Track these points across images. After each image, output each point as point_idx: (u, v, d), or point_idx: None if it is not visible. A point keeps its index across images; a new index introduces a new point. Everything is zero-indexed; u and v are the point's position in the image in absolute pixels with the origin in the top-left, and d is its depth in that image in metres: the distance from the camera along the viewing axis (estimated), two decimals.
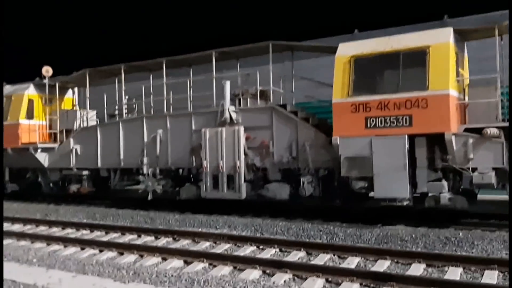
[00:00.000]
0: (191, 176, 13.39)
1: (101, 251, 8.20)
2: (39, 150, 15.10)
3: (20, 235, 9.58)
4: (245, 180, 11.45)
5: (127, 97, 15.75)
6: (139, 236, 9.59)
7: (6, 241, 9.41)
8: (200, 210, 12.38)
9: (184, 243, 8.78)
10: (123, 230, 10.00)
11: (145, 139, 13.45)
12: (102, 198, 15.52)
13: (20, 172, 16.81)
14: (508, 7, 9.32)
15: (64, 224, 10.81)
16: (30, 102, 15.59)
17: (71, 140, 14.93)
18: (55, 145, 15.20)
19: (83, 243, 8.62)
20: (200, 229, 10.23)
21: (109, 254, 7.97)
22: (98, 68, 14.68)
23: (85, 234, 10.13)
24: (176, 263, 7.20)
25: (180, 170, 13.43)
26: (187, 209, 12.67)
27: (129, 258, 7.64)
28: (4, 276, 6.65)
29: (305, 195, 10.75)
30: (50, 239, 9.07)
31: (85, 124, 15.58)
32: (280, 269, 6.40)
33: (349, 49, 10.23)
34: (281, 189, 11.19)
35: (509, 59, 8.74)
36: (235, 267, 6.80)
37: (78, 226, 10.60)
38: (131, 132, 13.78)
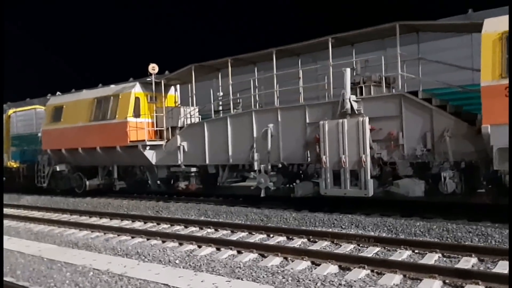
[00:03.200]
0: (300, 172, 12.75)
1: (239, 252, 7.69)
2: (147, 148, 15.18)
3: (150, 234, 9.39)
4: (371, 176, 10.53)
5: (221, 93, 15.47)
6: (269, 235, 9.01)
7: (136, 240, 9.27)
8: (317, 208, 11.63)
9: (323, 245, 8.05)
10: (249, 229, 9.50)
11: (255, 134, 12.94)
12: (210, 195, 15.30)
13: (126, 170, 17.15)
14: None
15: (186, 222, 10.55)
16: (137, 100, 15.71)
17: (178, 137, 14.82)
18: (163, 143, 15.20)
19: (217, 243, 8.18)
20: (330, 229, 9.50)
21: (250, 255, 7.43)
22: (203, 63, 14.41)
23: (210, 232, 9.76)
24: (331, 268, 6.47)
25: (290, 166, 12.82)
26: (303, 206, 11.97)
27: (275, 261, 7.04)
28: (154, 279, 6.32)
29: (446, 192, 9.60)
30: (181, 238, 8.75)
31: (188, 121, 15.48)
32: (467, 279, 5.44)
33: (498, 25, 8.90)
34: (414, 185, 10.12)
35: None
36: (404, 275, 5.93)
37: (201, 224, 10.28)
38: (240, 127, 13.34)
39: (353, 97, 10.95)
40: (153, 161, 15.38)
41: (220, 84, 15.06)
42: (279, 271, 6.31)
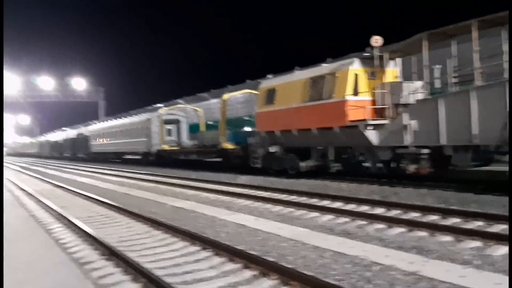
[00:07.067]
0: None
1: None
2: (368, 128, 14.15)
3: (410, 224, 8.27)
4: None
5: (438, 66, 13.45)
6: None
7: (396, 230, 8.24)
8: None
9: None
10: None
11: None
12: (439, 179, 13.54)
13: (342, 151, 16.47)
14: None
15: (444, 212, 9.13)
16: (355, 77, 14.76)
17: (405, 115, 13.40)
18: (386, 122, 13.96)
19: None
20: None
21: None
22: (437, 29, 12.63)
23: (481, 226, 8.18)
24: None
25: None
26: None
27: None
28: (468, 285, 5.13)
29: None
30: (456, 232, 7.40)
31: (413, 97, 13.94)
32: None
33: None
34: None
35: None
36: None
37: (465, 215, 8.75)
38: (488, 101, 11.27)
39: None
40: (375, 142, 14.29)
41: (455, 54, 13.10)
42: None
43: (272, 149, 18.58)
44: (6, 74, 55.91)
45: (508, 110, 10.56)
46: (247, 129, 30.79)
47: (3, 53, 9.87)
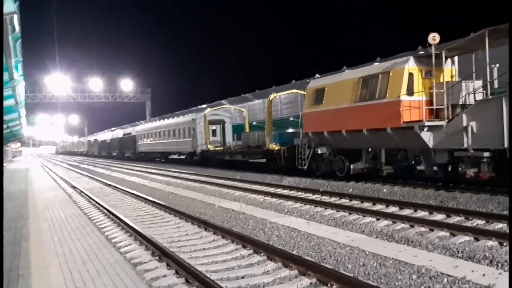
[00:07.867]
0: None
1: None
2: (424, 129, 13.48)
3: (476, 231, 7.71)
4: None
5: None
6: None
7: (461, 238, 7.71)
8: None
9: None
10: None
11: None
12: (499, 185, 12.67)
13: (393, 153, 15.82)
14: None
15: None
16: (410, 76, 14.11)
17: (464, 116, 12.65)
18: (443, 123, 13.25)
19: None
20: None
21: None
22: (501, 26, 11.82)
23: None
24: None
25: None
26: None
27: None
28: None
29: None
30: None
31: (473, 97, 13.19)
32: None
33: None
34: None
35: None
36: None
37: None
38: None
39: None
40: (430, 144, 13.59)
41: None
42: None
43: (320, 150, 18.14)
44: (60, 76, 58.12)
45: None
46: (291, 130, 30.46)
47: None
